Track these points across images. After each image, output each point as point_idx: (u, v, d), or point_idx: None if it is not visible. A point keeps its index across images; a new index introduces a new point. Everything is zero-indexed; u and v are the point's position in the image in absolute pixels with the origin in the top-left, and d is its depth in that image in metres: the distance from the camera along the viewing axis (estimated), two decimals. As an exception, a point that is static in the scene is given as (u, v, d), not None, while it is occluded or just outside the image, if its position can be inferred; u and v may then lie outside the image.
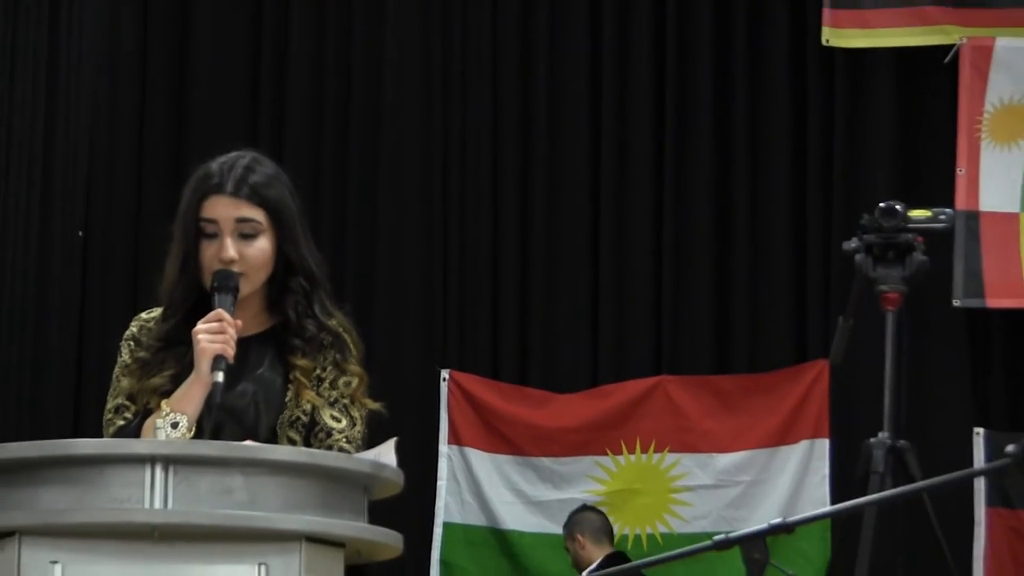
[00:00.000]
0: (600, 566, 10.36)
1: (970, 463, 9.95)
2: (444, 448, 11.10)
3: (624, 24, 11.59)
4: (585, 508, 10.74)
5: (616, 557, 10.43)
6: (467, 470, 11.14)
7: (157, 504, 3.90)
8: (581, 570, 10.54)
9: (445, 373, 11.23)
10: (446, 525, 11.01)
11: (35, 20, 10.88)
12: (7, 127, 10.74)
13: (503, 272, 11.58)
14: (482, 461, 11.15)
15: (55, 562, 3.86)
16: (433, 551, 10.98)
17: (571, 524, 10.60)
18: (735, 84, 11.41)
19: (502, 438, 11.15)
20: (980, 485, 10.31)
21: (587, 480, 11.06)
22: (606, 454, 11.04)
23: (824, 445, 10.62)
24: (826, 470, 10.60)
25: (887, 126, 11.01)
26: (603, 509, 10.84)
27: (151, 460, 3.93)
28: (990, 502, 10.31)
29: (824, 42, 10.91)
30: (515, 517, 11.03)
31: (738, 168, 11.30)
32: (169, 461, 3.93)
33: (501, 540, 11.07)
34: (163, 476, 3.91)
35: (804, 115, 11.29)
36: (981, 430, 10.39)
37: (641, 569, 9.12)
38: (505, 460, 11.13)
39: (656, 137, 11.42)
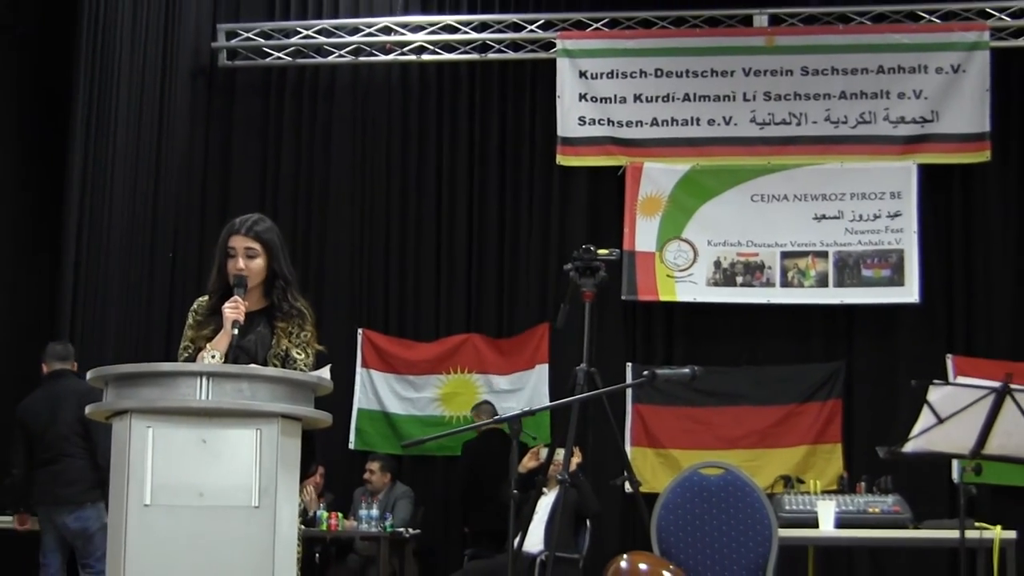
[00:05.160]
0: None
1: (624, 380, 10.64)
2: (358, 369, 11.70)
3: (454, 158, 12.07)
4: (484, 402, 11.16)
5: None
6: (370, 381, 11.71)
7: (203, 397, 4.33)
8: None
9: (360, 330, 11.80)
10: (359, 409, 11.64)
11: (147, 142, 10.92)
12: (131, 199, 10.65)
13: (391, 275, 11.98)
14: (378, 376, 11.72)
15: (149, 427, 4.28)
16: (351, 423, 11.58)
17: (476, 410, 11.03)
18: (507, 177, 11.93)
19: (389, 364, 11.72)
20: (629, 392, 11.07)
21: (432, 387, 11.64)
22: (441, 374, 11.62)
23: (545, 367, 11.31)
24: (546, 379, 11.30)
25: (586, 205, 11.69)
26: (441, 403, 11.58)
27: (199, 374, 4.38)
28: (634, 401, 11.17)
29: (558, 162, 11.58)
30: (394, 405, 11.66)
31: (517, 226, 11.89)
32: (209, 375, 4.38)
33: (386, 417, 11.65)
34: (206, 383, 4.34)
35: (544, 197, 11.78)
36: (630, 364, 11.20)
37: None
38: (390, 376, 11.72)
39: (468, 208, 11.98)
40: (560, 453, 7.42)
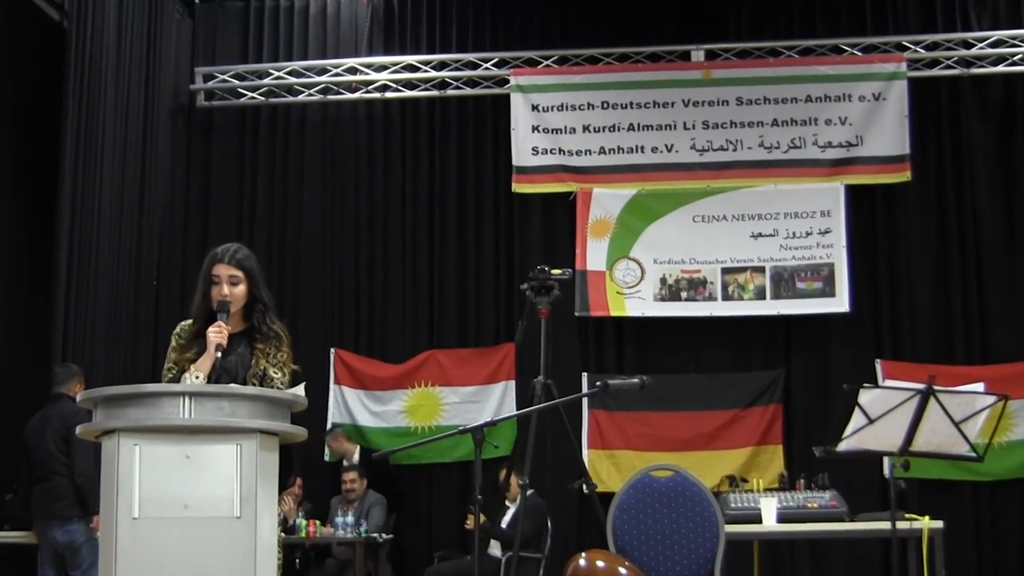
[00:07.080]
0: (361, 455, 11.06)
1: (580, 390, 10.54)
2: (331, 386, 11.60)
3: (416, 188, 12.02)
4: (335, 426, 11.29)
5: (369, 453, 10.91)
6: (342, 396, 11.61)
7: (186, 416, 4.30)
8: (342, 459, 11.18)
9: (332, 350, 11.72)
10: (332, 423, 11.48)
11: (131, 177, 10.72)
12: (118, 230, 10.46)
13: (361, 298, 11.95)
14: (349, 392, 11.63)
15: (136, 444, 4.25)
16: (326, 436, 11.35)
17: (331, 434, 11.25)
18: (467, 204, 11.96)
19: (359, 381, 11.63)
20: (585, 400, 10.97)
21: (398, 401, 11.52)
22: (407, 388, 11.53)
23: (512, 383, 11.32)
24: (513, 395, 11.27)
25: (541, 229, 11.71)
26: (406, 415, 11.44)
27: (183, 394, 4.35)
28: (590, 407, 11.15)
29: (513, 190, 11.63)
30: (363, 418, 11.57)
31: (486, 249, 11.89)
32: (192, 394, 4.35)
33: (357, 429, 11.52)
34: (189, 402, 4.32)
35: (501, 222, 11.89)
36: (585, 373, 11.21)
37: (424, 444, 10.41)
38: (360, 392, 11.64)
39: (431, 234, 11.94)
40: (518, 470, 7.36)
